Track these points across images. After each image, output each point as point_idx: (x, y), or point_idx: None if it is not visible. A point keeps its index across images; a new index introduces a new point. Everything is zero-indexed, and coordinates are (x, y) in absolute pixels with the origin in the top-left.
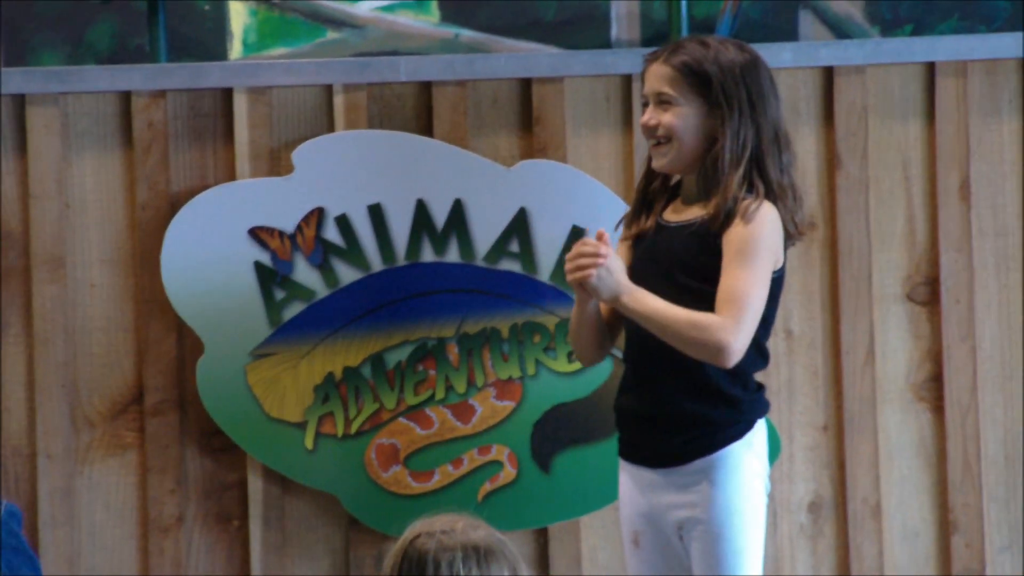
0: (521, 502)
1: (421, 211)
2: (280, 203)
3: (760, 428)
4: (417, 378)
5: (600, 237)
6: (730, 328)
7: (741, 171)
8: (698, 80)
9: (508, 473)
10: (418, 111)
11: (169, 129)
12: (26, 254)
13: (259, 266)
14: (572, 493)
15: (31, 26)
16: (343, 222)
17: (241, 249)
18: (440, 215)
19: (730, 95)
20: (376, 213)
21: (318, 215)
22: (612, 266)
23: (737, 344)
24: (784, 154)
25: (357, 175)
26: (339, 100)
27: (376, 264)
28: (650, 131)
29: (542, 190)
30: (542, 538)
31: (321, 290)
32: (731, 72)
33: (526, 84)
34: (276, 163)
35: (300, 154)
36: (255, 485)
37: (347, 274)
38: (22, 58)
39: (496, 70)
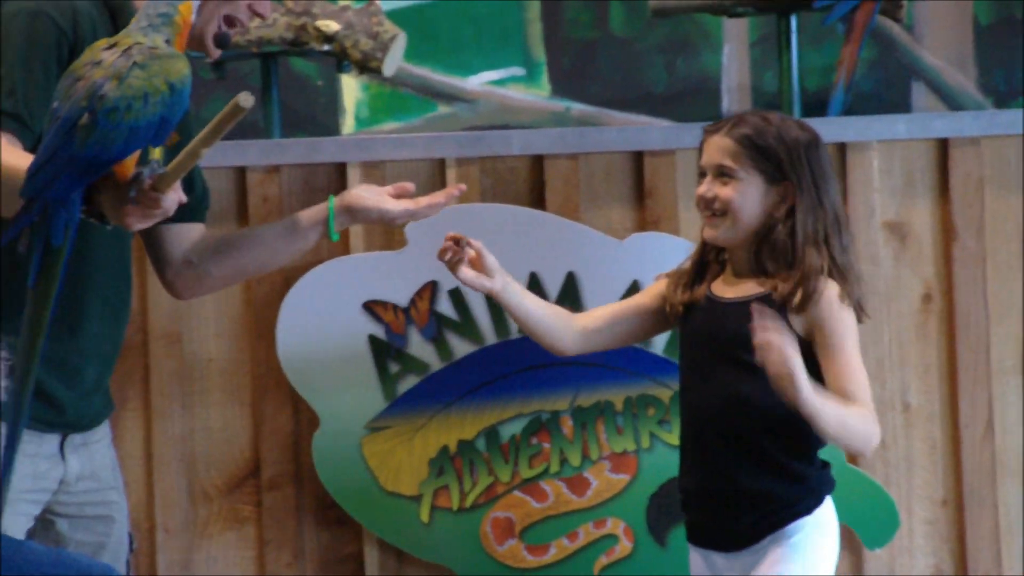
0: None
1: (534, 284)
2: (394, 277)
3: (829, 505)
4: (531, 451)
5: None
6: (874, 416)
7: (815, 249)
8: (760, 155)
9: (624, 547)
10: (531, 184)
11: (284, 204)
12: (144, 329)
13: (373, 339)
14: (689, 567)
15: None
16: (456, 295)
17: (355, 323)
18: (553, 288)
19: (798, 173)
20: None
21: (432, 288)
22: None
23: (876, 438)
24: (844, 234)
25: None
26: (451, 174)
27: (490, 337)
28: (707, 203)
29: (655, 262)
30: None
31: (435, 363)
32: (795, 150)
33: (638, 157)
34: (389, 237)
35: (413, 228)
36: (371, 558)
37: (461, 347)
38: None
39: (608, 143)
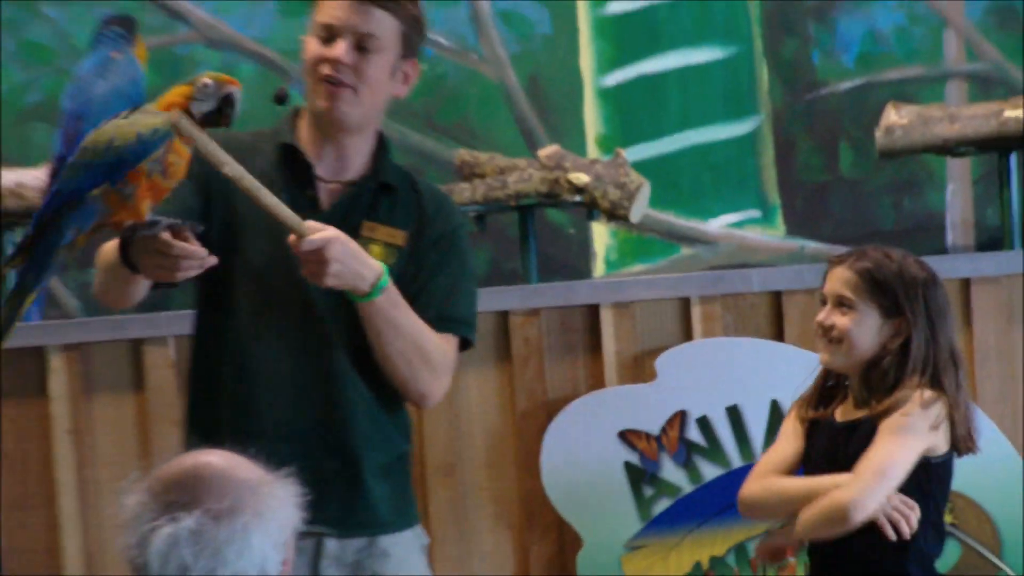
0: None
1: (775, 411)
2: (646, 408)
3: None
4: (779, 564)
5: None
6: (851, 486)
7: (920, 379)
8: (878, 289)
9: None
10: (770, 318)
11: (544, 343)
12: (421, 463)
13: (629, 466)
14: None
15: None
16: (704, 423)
17: (612, 451)
18: None
19: (913, 308)
20: (734, 414)
21: (681, 417)
22: None
23: (858, 499)
24: (960, 371)
25: (716, 379)
26: (696, 311)
27: (736, 461)
28: (824, 330)
29: None
30: None
31: (686, 486)
32: (913, 287)
33: None
34: (640, 371)
35: (662, 362)
36: None
37: (709, 471)
38: None
39: None
